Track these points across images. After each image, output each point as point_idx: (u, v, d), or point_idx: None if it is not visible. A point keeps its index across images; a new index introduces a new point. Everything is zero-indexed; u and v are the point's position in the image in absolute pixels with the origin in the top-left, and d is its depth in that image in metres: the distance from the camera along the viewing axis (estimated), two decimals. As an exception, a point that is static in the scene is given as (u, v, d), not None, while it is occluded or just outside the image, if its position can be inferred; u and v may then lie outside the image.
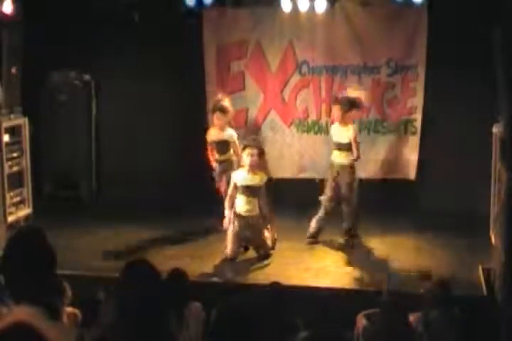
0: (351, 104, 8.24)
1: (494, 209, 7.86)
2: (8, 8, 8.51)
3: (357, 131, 8.43)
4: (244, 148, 7.80)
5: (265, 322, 4.75)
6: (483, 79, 8.70)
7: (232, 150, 8.49)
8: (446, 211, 9.11)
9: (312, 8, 9.15)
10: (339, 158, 8.26)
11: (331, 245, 8.25)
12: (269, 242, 7.88)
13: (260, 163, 7.81)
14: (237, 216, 7.77)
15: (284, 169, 9.83)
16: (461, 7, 8.80)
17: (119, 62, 9.99)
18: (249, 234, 7.77)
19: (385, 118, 9.77)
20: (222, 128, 8.47)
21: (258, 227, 7.78)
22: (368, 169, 9.80)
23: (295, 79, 9.87)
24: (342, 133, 8.24)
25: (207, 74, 9.97)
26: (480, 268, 7.33)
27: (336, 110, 8.33)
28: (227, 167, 8.41)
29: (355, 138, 8.20)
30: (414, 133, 9.70)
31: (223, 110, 8.43)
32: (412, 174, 9.74)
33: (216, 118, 8.44)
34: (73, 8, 9.49)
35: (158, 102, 9.94)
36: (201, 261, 7.79)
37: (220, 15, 9.79)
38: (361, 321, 5.56)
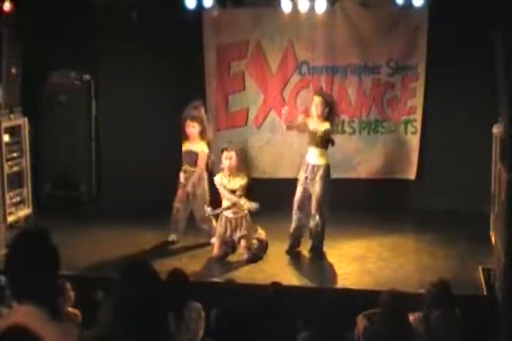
0: (329, 99, 7.89)
1: (494, 209, 7.86)
2: (8, 7, 8.51)
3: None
4: (221, 152, 7.80)
5: (265, 323, 4.75)
6: (482, 80, 8.73)
7: (200, 165, 8.19)
8: (446, 211, 9.12)
9: (312, 8, 9.12)
10: (315, 156, 7.83)
11: (330, 245, 8.23)
12: (255, 243, 7.88)
13: (239, 165, 7.82)
14: (224, 217, 7.83)
15: (284, 169, 9.82)
16: (462, 9, 8.81)
17: (119, 62, 9.99)
18: (236, 235, 7.81)
19: (385, 119, 9.78)
20: (192, 138, 8.17)
21: (245, 229, 7.81)
22: (368, 169, 9.82)
23: (295, 79, 9.87)
24: (320, 127, 7.74)
25: (207, 75, 9.98)
26: (480, 268, 7.33)
27: (319, 103, 7.82)
28: (190, 178, 8.22)
29: (330, 131, 7.79)
30: (414, 133, 9.71)
31: (194, 118, 8.12)
32: (412, 174, 9.75)
33: (186, 126, 8.16)
34: (73, 8, 9.48)
35: (158, 102, 9.93)
36: (201, 261, 7.80)
37: (220, 15, 9.78)
38: (361, 321, 5.56)
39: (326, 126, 7.80)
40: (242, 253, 7.84)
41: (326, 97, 7.94)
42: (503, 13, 7.20)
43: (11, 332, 2.63)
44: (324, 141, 7.83)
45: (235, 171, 7.79)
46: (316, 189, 7.83)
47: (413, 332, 5.42)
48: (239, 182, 7.78)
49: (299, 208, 7.98)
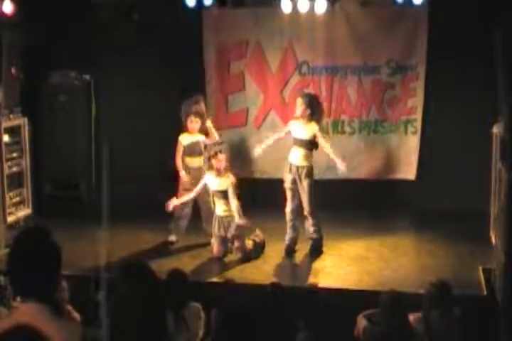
0: (311, 101, 7.90)
1: (494, 209, 7.86)
2: (8, 8, 8.51)
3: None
4: (215, 154, 7.85)
5: (265, 322, 4.75)
6: (483, 80, 8.72)
7: (202, 157, 8.39)
8: (446, 211, 9.11)
9: (312, 8, 9.14)
10: (299, 158, 7.91)
11: (330, 245, 8.23)
12: (250, 244, 7.91)
13: (227, 166, 7.91)
14: (218, 217, 7.88)
15: (284, 169, 9.81)
16: (462, 8, 8.81)
17: (119, 62, 9.99)
18: (230, 234, 7.83)
19: (385, 119, 9.78)
20: (194, 133, 8.36)
21: (236, 229, 7.82)
22: (368, 169, 9.82)
23: (295, 79, 9.88)
24: (305, 129, 7.87)
25: (207, 75, 9.98)
26: (480, 268, 7.34)
27: (299, 104, 7.89)
28: (197, 176, 8.25)
29: (317, 135, 7.85)
30: (414, 133, 9.71)
31: (197, 113, 8.31)
32: (412, 174, 9.75)
33: (189, 122, 8.31)
34: (73, 8, 9.48)
35: (157, 102, 9.92)
36: (201, 261, 7.80)
37: (220, 15, 9.79)
38: (361, 321, 5.56)
39: (313, 127, 7.86)
40: (236, 253, 7.88)
41: (305, 98, 7.92)
42: (504, 13, 7.19)
43: (18, 331, 2.63)
44: (310, 144, 7.89)
45: (223, 172, 7.86)
46: (304, 190, 7.88)
47: (413, 332, 5.42)
48: (226, 181, 7.82)
49: (292, 217, 8.01)
